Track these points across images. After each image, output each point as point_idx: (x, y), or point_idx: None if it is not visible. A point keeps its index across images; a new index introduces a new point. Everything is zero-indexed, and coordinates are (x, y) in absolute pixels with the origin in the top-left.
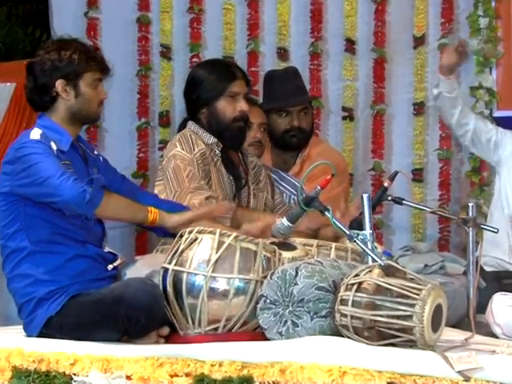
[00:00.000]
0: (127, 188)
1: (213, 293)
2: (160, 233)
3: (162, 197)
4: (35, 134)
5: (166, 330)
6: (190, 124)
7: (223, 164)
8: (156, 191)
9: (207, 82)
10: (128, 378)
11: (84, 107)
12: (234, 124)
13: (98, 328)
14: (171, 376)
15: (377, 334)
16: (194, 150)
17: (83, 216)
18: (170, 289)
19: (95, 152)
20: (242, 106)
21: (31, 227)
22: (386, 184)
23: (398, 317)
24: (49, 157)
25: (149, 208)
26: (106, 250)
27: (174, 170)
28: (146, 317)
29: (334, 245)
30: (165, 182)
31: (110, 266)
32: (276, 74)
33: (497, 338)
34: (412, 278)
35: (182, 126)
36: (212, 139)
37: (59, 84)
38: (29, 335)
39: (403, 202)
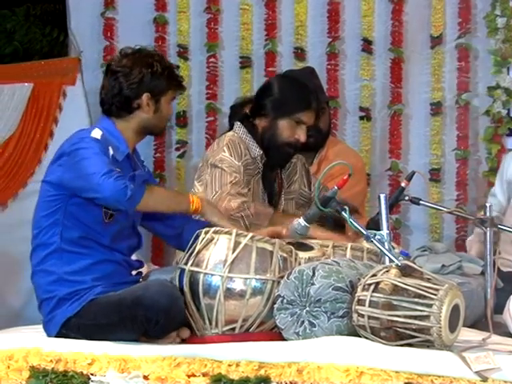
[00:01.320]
0: None
1: (229, 293)
2: (172, 242)
3: (203, 195)
4: (96, 133)
5: (186, 332)
6: (239, 128)
7: (262, 179)
8: (195, 192)
9: (283, 96)
10: (145, 377)
11: (158, 123)
12: (285, 148)
13: (116, 330)
14: (188, 376)
15: (394, 334)
16: (242, 158)
17: (125, 210)
18: (186, 289)
19: (144, 164)
20: (301, 135)
21: (66, 225)
22: (403, 184)
23: (415, 317)
24: (99, 154)
25: (190, 197)
26: (134, 257)
27: (221, 173)
28: (165, 319)
29: (349, 245)
30: (208, 182)
31: (134, 272)
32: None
33: None
34: (429, 278)
35: (230, 126)
36: (258, 151)
37: (145, 98)
38: (48, 335)
39: (420, 202)
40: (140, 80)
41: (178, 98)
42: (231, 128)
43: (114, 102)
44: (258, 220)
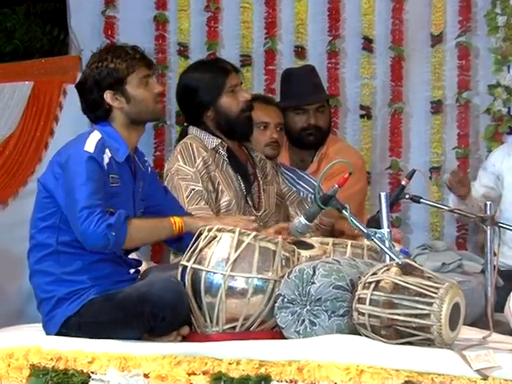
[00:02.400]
0: (168, 202)
1: (231, 291)
2: (172, 245)
3: None
4: (91, 142)
5: (186, 330)
6: (192, 129)
7: (230, 164)
8: None
9: (203, 85)
10: (146, 376)
11: (140, 109)
12: (241, 115)
13: (119, 327)
14: (189, 374)
15: (394, 333)
16: (196, 161)
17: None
18: (188, 287)
19: (146, 164)
20: (244, 95)
21: (62, 228)
22: (403, 182)
23: (415, 315)
24: (88, 182)
25: (172, 220)
26: (131, 256)
27: (176, 188)
28: (171, 314)
29: (349, 242)
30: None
31: (132, 270)
32: (293, 72)
33: None
34: (430, 277)
35: (184, 134)
36: (215, 141)
37: (107, 95)
38: (48, 334)
39: (421, 200)
40: (95, 82)
41: None
42: (185, 135)
43: (89, 114)
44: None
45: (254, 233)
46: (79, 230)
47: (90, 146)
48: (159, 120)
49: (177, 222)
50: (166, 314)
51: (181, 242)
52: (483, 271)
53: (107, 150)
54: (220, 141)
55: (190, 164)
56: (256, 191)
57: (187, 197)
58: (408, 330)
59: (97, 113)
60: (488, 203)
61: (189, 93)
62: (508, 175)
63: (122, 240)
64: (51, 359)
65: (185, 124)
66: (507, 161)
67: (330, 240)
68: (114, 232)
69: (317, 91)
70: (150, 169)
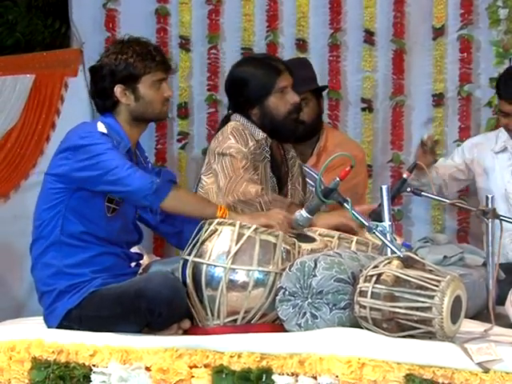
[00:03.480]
0: None
1: (232, 285)
2: (172, 240)
3: (213, 187)
4: (101, 127)
5: (187, 324)
6: (239, 117)
7: (270, 163)
8: (203, 185)
9: (253, 81)
10: (147, 369)
11: (146, 110)
12: (288, 118)
13: (118, 321)
14: (190, 367)
15: (396, 326)
16: (248, 143)
17: (149, 208)
18: (189, 280)
19: (147, 160)
20: (294, 97)
21: (67, 219)
22: (405, 175)
23: (416, 308)
24: (114, 149)
25: (219, 205)
26: (134, 249)
27: (231, 159)
28: (167, 310)
29: (355, 238)
30: (218, 170)
31: (133, 264)
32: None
33: None
34: (431, 270)
35: (226, 120)
36: (261, 135)
37: (117, 89)
38: (49, 327)
39: (422, 193)
40: (110, 72)
41: (179, 89)
42: (227, 121)
43: (96, 100)
44: (274, 208)
45: (254, 226)
46: (123, 176)
47: (102, 129)
48: (163, 121)
49: (222, 208)
50: (162, 310)
51: (181, 237)
52: (485, 264)
53: (113, 141)
54: (266, 136)
55: (243, 144)
56: (283, 194)
57: (243, 167)
58: (409, 323)
59: (104, 102)
60: (489, 196)
61: (238, 86)
62: (495, 172)
63: (163, 195)
64: (53, 352)
65: (229, 112)
66: (493, 157)
67: (336, 233)
68: (157, 185)
69: (299, 84)
70: (150, 165)
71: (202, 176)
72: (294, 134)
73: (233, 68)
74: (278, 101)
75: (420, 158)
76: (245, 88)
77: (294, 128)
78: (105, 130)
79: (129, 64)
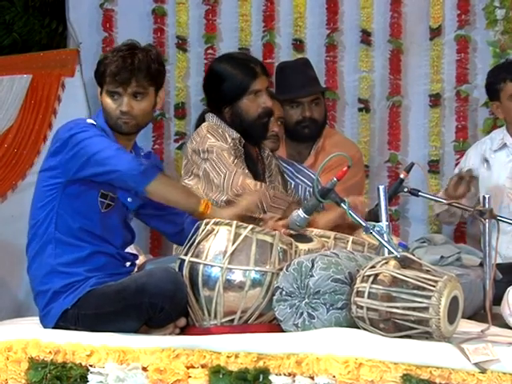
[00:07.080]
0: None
1: (229, 284)
2: (173, 238)
3: (198, 186)
4: (90, 120)
5: (182, 321)
6: (212, 117)
7: (245, 161)
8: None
9: (228, 81)
10: (144, 369)
11: (107, 117)
12: (258, 121)
13: (118, 318)
14: (187, 367)
15: (393, 326)
16: (227, 140)
17: (134, 191)
18: (186, 280)
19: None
20: (266, 101)
21: (62, 216)
22: (402, 176)
23: (414, 308)
24: (101, 135)
25: (202, 199)
26: (129, 250)
27: (218, 156)
28: (170, 305)
29: (351, 238)
30: (208, 169)
31: (128, 263)
32: (287, 66)
33: None
34: (428, 270)
35: (201, 119)
36: (235, 134)
37: (99, 91)
38: (45, 328)
39: (419, 193)
40: (95, 74)
41: (176, 90)
42: (202, 121)
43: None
44: (274, 204)
45: (251, 225)
46: (111, 155)
47: (90, 121)
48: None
49: (206, 202)
50: (165, 304)
51: (181, 236)
52: (482, 264)
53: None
54: (239, 136)
55: (223, 141)
56: None
57: (233, 162)
58: (406, 324)
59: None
60: (486, 196)
61: (213, 82)
62: (494, 168)
63: (150, 178)
64: (50, 352)
65: (205, 108)
66: (492, 156)
67: (332, 234)
68: (145, 167)
69: (311, 83)
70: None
71: (184, 180)
72: (264, 137)
73: (212, 63)
74: (250, 103)
75: (452, 188)
76: (219, 85)
77: (262, 132)
78: (93, 122)
79: (102, 70)
